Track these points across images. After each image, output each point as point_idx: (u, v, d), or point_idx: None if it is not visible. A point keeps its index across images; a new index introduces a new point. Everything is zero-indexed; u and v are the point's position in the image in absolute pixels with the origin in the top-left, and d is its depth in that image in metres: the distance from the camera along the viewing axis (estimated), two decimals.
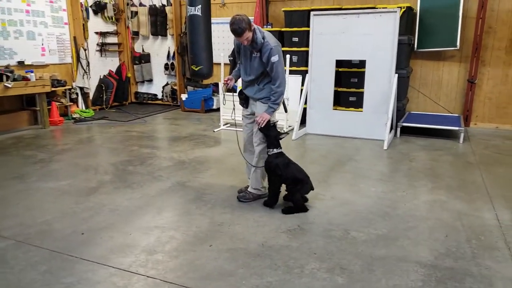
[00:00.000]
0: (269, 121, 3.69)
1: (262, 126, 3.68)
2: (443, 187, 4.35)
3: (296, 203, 3.71)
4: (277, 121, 3.86)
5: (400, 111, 6.93)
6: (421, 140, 6.46)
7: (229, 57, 8.50)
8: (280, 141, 3.77)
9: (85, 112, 8.48)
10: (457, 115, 7.43)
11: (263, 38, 3.56)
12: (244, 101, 3.96)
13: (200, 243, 3.19)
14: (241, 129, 4.14)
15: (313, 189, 3.80)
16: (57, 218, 3.64)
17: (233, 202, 3.97)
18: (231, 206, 3.88)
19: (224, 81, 3.96)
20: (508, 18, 6.95)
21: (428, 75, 7.64)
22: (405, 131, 6.73)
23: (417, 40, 7.25)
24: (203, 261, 2.92)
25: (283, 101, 3.96)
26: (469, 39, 7.18)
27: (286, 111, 4.11)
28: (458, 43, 6.97)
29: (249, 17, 3.57)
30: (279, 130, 3.81)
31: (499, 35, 7.03)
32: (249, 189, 4.08)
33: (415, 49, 7.30)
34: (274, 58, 3.52)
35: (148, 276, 2.74)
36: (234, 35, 3.53)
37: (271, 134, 3.72)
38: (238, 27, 3.43)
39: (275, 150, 3.73)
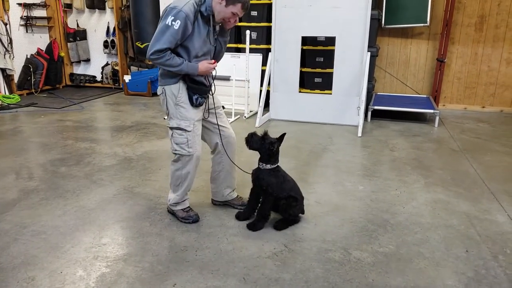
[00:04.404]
0: (254, 133, 2.95)
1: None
2: (438, 182, 3.80)
3: (289, 219, 2.97)
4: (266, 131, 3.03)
5: (369, 93, 6.36)
6: (394, 124, 5.93)
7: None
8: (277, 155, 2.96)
9: (9, 98, 7.18)
10: (425, 96, 7.00)
11: None
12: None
13: (159, 281, 2.37)
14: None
15: (303, 212, 3.09)
16: None
17: (197, 212, 3.17)
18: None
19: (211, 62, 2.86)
20: None
21: (395, 54, 7.11)
22: (374, 114, 6.19)
23: (385, 16, 6.65)
24: None
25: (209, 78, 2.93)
26: (438, 15, 6.71)
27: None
28: (428, 19, 6.46)
29: None
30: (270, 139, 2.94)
31: (469, 11, 6.58)
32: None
33: (383, 25, 6.71)
34: None
35: None
36: (245, 12, 2.72)
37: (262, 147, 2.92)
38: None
39: (269, 166, 2.91)
